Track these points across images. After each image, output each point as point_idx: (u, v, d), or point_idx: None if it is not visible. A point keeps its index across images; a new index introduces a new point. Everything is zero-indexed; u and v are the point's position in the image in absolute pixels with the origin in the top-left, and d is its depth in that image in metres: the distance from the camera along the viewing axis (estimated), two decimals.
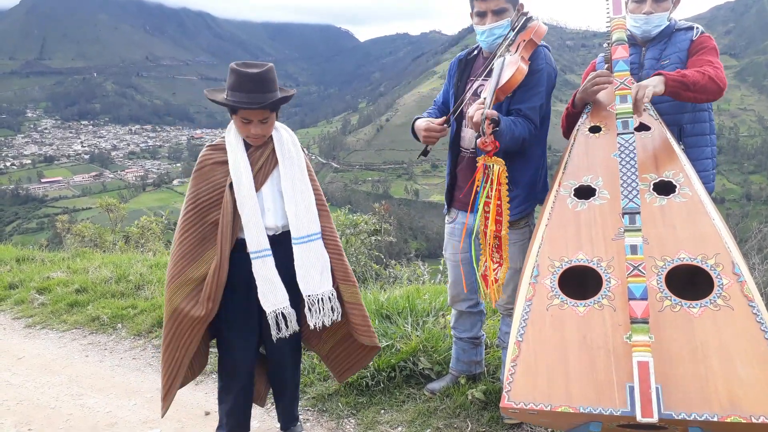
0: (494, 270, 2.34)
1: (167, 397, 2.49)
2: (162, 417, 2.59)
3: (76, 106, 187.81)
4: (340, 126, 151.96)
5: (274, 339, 2.44)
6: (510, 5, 2.53)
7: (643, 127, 2.24)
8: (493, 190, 2.22)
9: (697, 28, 2.56)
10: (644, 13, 2.50)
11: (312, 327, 2.47)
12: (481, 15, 2.55)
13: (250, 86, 2.31)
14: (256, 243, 2.38)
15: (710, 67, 2.33)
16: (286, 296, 2.41)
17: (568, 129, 2.56)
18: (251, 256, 2.39)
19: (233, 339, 2.53)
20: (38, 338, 4.52)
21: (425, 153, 2.80)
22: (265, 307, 2.40)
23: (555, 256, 1.90)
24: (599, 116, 2.37)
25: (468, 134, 2.69)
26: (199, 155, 2.53)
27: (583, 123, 2.37)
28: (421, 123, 2.70)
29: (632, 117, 2.03)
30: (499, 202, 2.23)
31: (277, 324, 2.41)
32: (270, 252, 2.39)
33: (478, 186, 2.28)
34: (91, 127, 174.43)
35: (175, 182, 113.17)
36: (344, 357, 2.76)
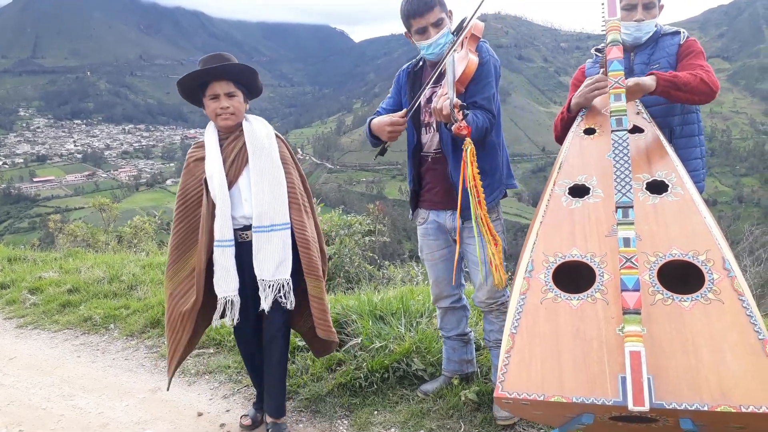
0: (495, 254, 2.36)
1: (170, 368, 2.75)
2: (167, 390, 2.91)
3: (69, 105, 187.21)
4: (335, 126, 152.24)
5: (214, 324, 2.67)
6: (444, 14, 2.62)
7: (636, 130, 2.28)
8: (472, 171, 2.30)
9: (683, 32, 2.63)
10: (635, 21, 2.55)
11: (272, 309, 2.60)
12: (422, 31, 2.62)
13: (212, 61, 2.55)
14: (221, 233, 2.55)
15: (702, 70, 2.38)
16: (237, 285, 2.58)
17: (562, 133, 2.58)
18: (215, 244, 2.56)
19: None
20: (30, 338, 4.49)
21: (383, 152, 2.86)
22: (217, 293, 2.58)
23: (549, 251, 1.92)
24: (594, 119, 2.40)
25: (430, 138, 2.76)
26: (187, 153, 2.75)
27: (578, 125, 2.40)
28: (382, 118, 2.72)
29: (626, 115, 2.05)
30: (474, 182, 2.31)
31: (224, 309, 2.59)
32: (232, 244, 2.57)
33: (467, 175, 2.32)
34: (84, 126, 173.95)
35: (168, 182, 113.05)
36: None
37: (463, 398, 2.87)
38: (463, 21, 2.60)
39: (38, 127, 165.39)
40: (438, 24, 2.60)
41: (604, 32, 2.29)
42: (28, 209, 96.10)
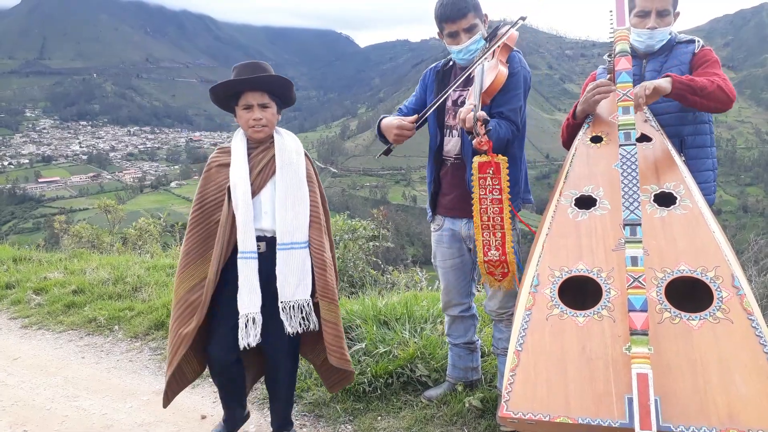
0: (498, 266, 2.41)
1: (170, 387, 2.58)
2: (164, 407, 2.67)
3: (75, 107, 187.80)
4: (339, 131, 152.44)
5: (241, 345, 2.44)
6: (478, 19, 2.59)
7: (644, 138, 2.25)
8: (501, 183, 2.35)
9: (698, 41, 2.57)
10: (648, 28, 2.51)
11: (287, 333, 2.49)
12: (454, 35, 2.60)
13: (248, 71, 2.48)
14: (244, 244, 2.45)
15: (718, 78, 2.34)
16: (259, 303, 2.45)
17: (569, 140, 2.57)
18: (238, 255, 2.46)
19: (214, 332, 2.55)
20: (34, 339, 4.50)
21: (388, 152, 2.83)
22: (239, 308, 2.44)
23: (555, 265, 1.90)
24: (601, 126, 2.38)
25: (452, 142, 2.73)
26: (209, 157, 2.66)
27: (585, 133, 2.38)
28: (392, 120, 2.71)
29: (634, 129, 2.04)
30: (500, 197, 2.35)
31: (246, 328, 2.42)
32: (255, 255, 2.46)
33: (479, 185, 2.36)
34: (89, 127, 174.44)
35: (172, 184, 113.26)
36: (335, 370, 2.73)
37: (467, 405, 2.87)
38: (497, 28, 2.58)
39: (44, 128, 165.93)
40: (470, 30, 2.58)
41: (612, 41, 2.28)
42: (33, 209, 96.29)
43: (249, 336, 2.43)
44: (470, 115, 2.26)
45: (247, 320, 2.43)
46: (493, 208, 2.35)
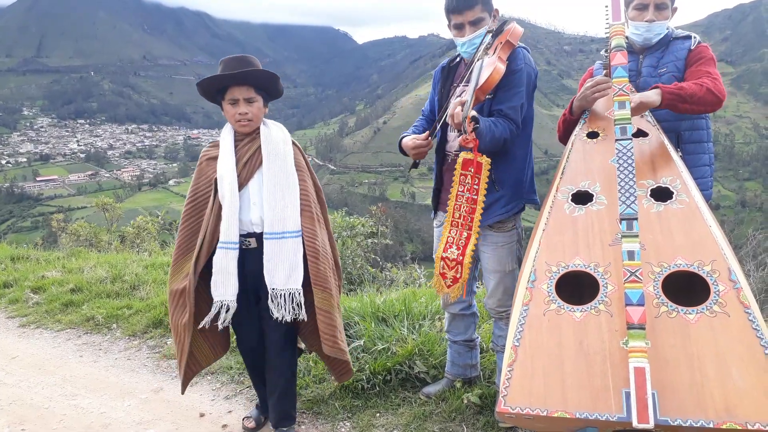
0: (453, 267, 2.39)
1: (184, 373, 2.67)
2: (182, 393, 2.83)
3: (73, 105, 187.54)
4: (337, 128, 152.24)
5: (220, 327, 2.56)
6: (486, 14, 2.57)
7: (640, 134, 2.25)
8: (479, 184, 2.32)
9: (695, 37, 2.58)
10: (646, 21, 2.51)
11: (276, 319, 2.53)
12: (459, 27, 2.60)
13: (234, 65, 2.49)
14: (226, 234, 2.47)
15: (708, 78, 2.35)
16: (235, 291, 2.50)
17: (565, 135, 2.57)
18: (218, 244, 2.48)
19: (237, 320, 2.64)
20: (32, 338, 4.49)
21: (415, 165, 2.86)
22: (213, 296, 2.51)
23: (552, 261, 1.90)
24: (597, 122, 2.37)
25: (454, 137, 2.71)
26: (201, 151, 2.70)
27: (581, 129, 2.37)
28: (408, 142, 2.72)
29: (630, 123, 2.03)
30: (476, 197, 2.33)
31: (219, 313, 2.52)
32: (236, 246, 2.48)
33: (458, 180, 2.35)
34: (87, 125, 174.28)
35: (171, 182, 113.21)
36: (336, 361, 2.76)
37: (465, 401, 2.87)
38: (503, 24, 2.55)
39: (42, 127, 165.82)
40: (476, 23, 2.56)
41: (607, 36, 2.28)
42: (31, 208, 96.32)
43: (219, 321, 2.52)
44: (458, 111, 2.26)
45: (221, 306, 2.50)
46: (467, 207, 2.33)
